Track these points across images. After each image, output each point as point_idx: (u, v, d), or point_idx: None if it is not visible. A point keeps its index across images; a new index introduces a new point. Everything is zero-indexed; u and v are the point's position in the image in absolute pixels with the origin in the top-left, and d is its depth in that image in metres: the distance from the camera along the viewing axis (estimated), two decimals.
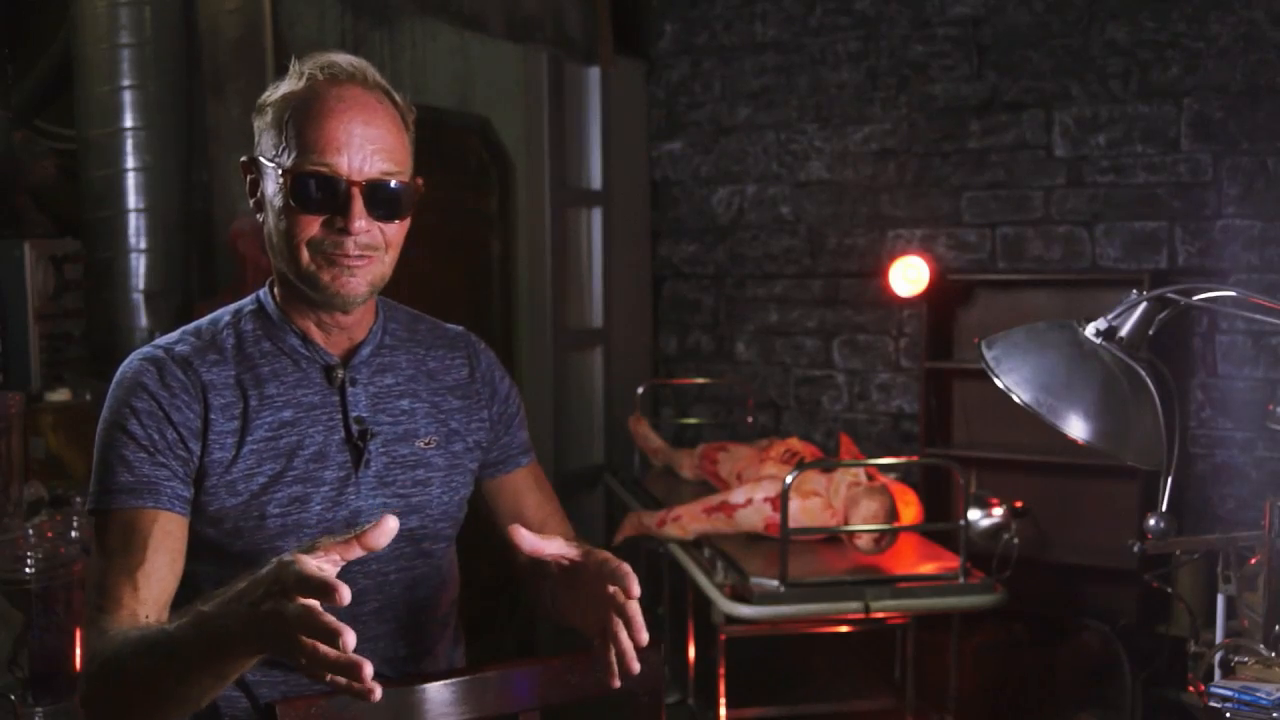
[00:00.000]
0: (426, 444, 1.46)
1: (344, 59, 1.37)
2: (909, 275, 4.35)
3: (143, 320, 3.28)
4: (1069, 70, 4.31)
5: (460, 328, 1.62)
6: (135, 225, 3.26)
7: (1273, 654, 1.79)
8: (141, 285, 3.28)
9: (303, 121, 1.33)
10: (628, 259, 5.10)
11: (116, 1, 3.16)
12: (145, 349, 1.40)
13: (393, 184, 1.36)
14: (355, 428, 1.42)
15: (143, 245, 3.27)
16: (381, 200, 1.35)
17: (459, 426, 1.51)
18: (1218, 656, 1.93)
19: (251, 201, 1.42)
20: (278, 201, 1.35)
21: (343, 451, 1.41)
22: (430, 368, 1.52)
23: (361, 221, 1.33)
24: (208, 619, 1.14)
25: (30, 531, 2.04)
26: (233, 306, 1.47)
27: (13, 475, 2.38)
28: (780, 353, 4.98)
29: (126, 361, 1.40)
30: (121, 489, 1.31)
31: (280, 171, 1.33)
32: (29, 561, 1.96)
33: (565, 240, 4.76)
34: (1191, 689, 2.04)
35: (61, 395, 2.97)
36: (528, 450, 1.62)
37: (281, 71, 1.39)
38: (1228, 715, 1.64)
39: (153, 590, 1.30)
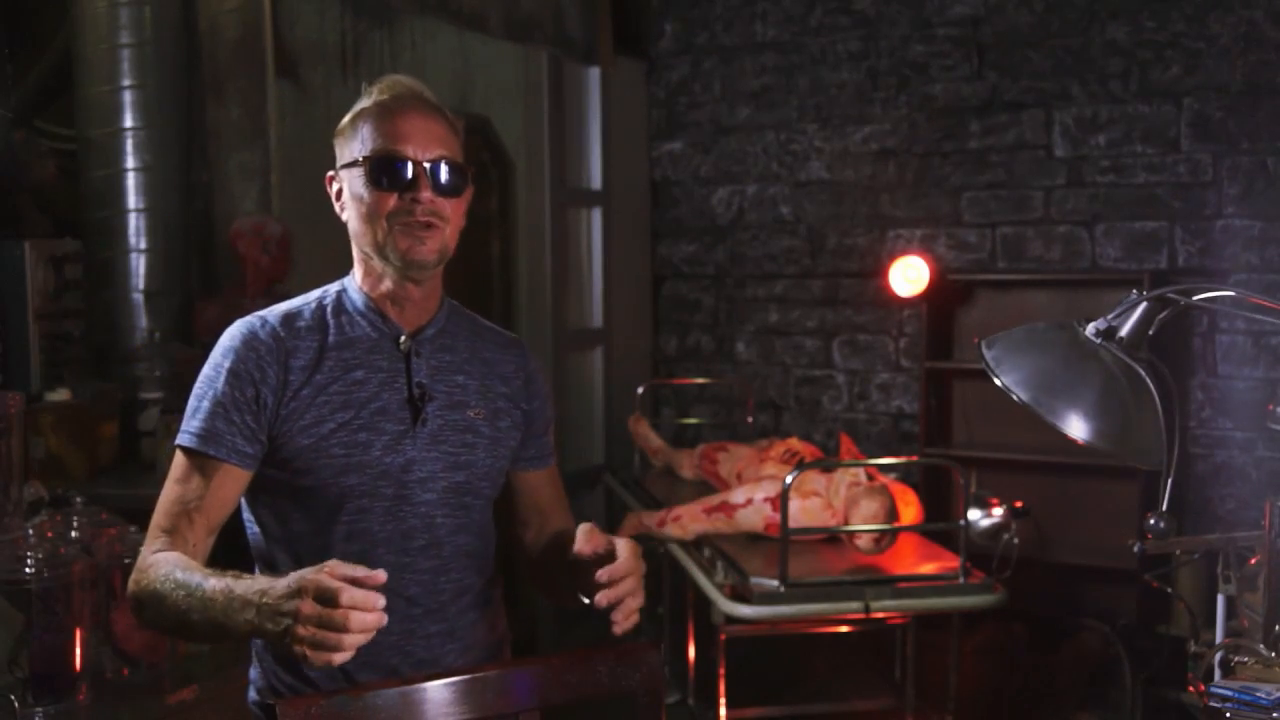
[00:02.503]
0: (476, 414, 1.69)
1: (404, 79, 1.68)
2: (909, 275, 4.35)
3: (143, 320, 3.28)
4: (1069, 70, 4.31)
5: (516, 336, 1.87)
6: (135, 225, 3.26)
7: (1273, 654, 1.79)
8: (141, 285, 3.28)
9: (375, 123, 1.63)
10: (628, 259, 5.10)
11: (116, 1, 3.16)
12: (247, 317, 1.66)
13: (453, 164, 1.63)
14: (416, 390, 1.65)
15: (143, 245, 3.27)
16: (443, 177, 1.61)
17: (504, 408, 1.74)
18: (1218, 656, 1.93)
19: (337, 206, 1.69)
20: (360, 189, 1.61)
21: (404, 409, 1.64)
22: (485, 357, 1.75)
23: (427, 193, 1.59)
24: (234, 597, 1.39)
25: (30, 531, 2.04)
26: (320, 289, 1.73)
27: (13, 475, 2.38)
28: (780, 353, 4.98)
29: (230, 327, 1.66)
30: (197, 433, 1.58)
31: (361, 159, 1.61)
32: (29, 561, 1.96)
33: (565, 240, 4.76)
34: (1191, 689, 2.04)
35: (61, 395, 2.97)
36: (553, 452, 1.86)
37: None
38: (1228, 715, 1.64)
39: (205, 525, 1.58)
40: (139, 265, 3.27)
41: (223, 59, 3.43)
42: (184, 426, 1.61)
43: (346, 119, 1.68)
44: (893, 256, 4.47)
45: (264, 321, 1.65)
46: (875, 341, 4.78)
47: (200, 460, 1.58)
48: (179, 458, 1.61)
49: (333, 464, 1.59)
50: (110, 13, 3.17)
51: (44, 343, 3.15)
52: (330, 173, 1.70)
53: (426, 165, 1.60)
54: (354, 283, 1.70)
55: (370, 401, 1.63)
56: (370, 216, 1.61)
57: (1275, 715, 1.61)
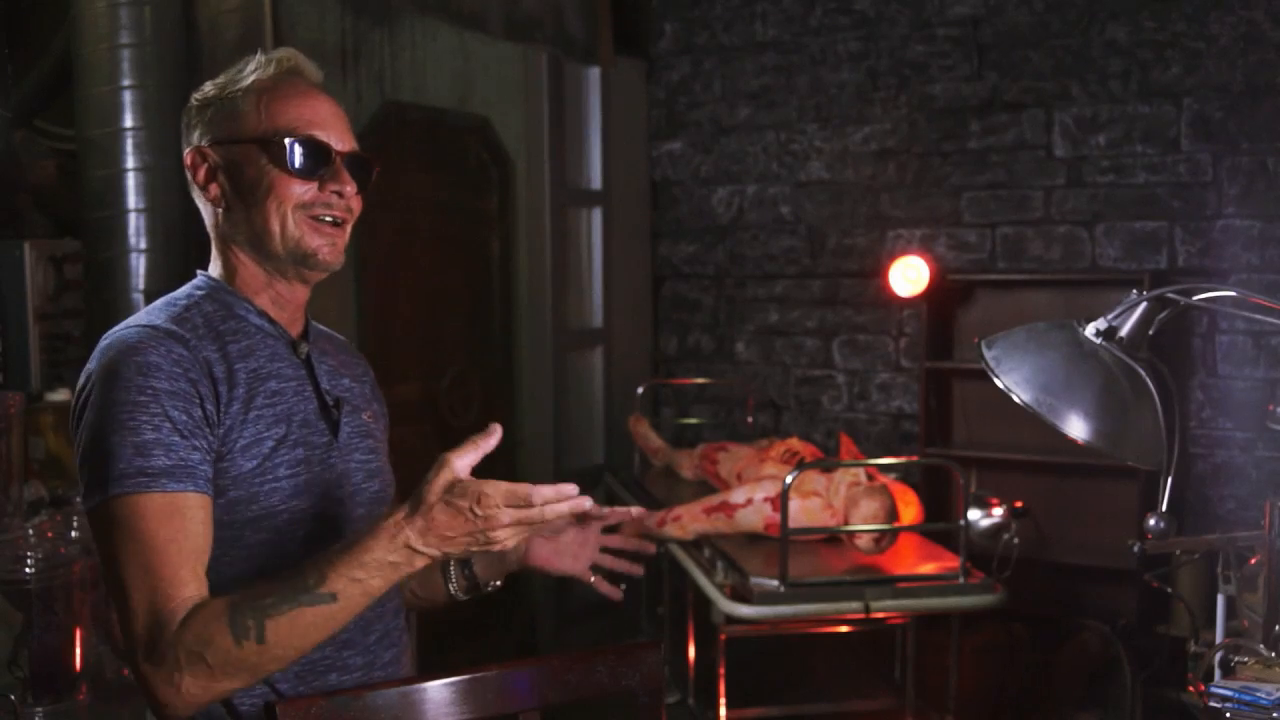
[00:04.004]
0: (369, 418, 1.59)
1: (301, 55, 1.51)
2: (909, 275, 4.34)
3: None
4: (1069, 70, 4.31)
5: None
6: (135, 225, 3.26)
7: (1273, 654, 1.79)
8: (141, 285, 3.28)
9: (285, 100, 1.45)
10: (628, 259, 5.10)
11: (116, 1, 3.16)
12: (134, 329, 1.39)
13: (366, 159, 1.50)
14: (329, 398, 1.52)
15: (143, 245, 3.27)
16: (358, 170, 1.48)
17: (377, 410, 1.64)
18: (1218, 656, 1.93)
19: (206, 191, 1.47)
20: (260, 171, 1.43)
21: (320, 419, 1.50)
22: (341, 360, 1.62)
23: (351, 186, 1.47)
24: (357, 554, 1.27)
25: (30, 531, 2.04)
26: (180, 292, 1.49)
27: (13, 475, 2.39)
28: (780, 353, 4.98)
29: (120, 341, 1.38)
30: (162, 472, 1.30)
31: (274, 138, 1.42)
32: (29, 561, 1.97)
33: (565, 240, 4.76)
34: (1191, 689, 2.04)
35: (61, 395, 2.97)
36: None
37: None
38: (1228, 715, 1.64)
39: (204, 571, 1.33)
40: (139, 265, 3.27)
41: (223, 59, 3.43)
42: (129, 467, 1.29)
43: (232, 86, 1.46)
44: (893, 256, 4.47)
45: (160, 330, 1.39)
46: (875, 341, 4.78)
47: (181, 502, 1.31)
48: (140, 508, 1.29)
49: (281, 487, 1.41)
50: (110, 13, 3.17)
51: (44, 343, 3.15)
52: (196, 146, 1.47)
53: (346, 154, 1.46)
54: (221, 283, 1.48)
55: (294, 413, 1.45)
56: (273, 204, 1.42)
57: (1275, 715, 1.61)
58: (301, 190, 1.43)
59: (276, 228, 1.43)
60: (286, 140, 1.42)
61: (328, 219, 1.46)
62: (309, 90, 1.48)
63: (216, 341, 1.42)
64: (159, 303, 1.47)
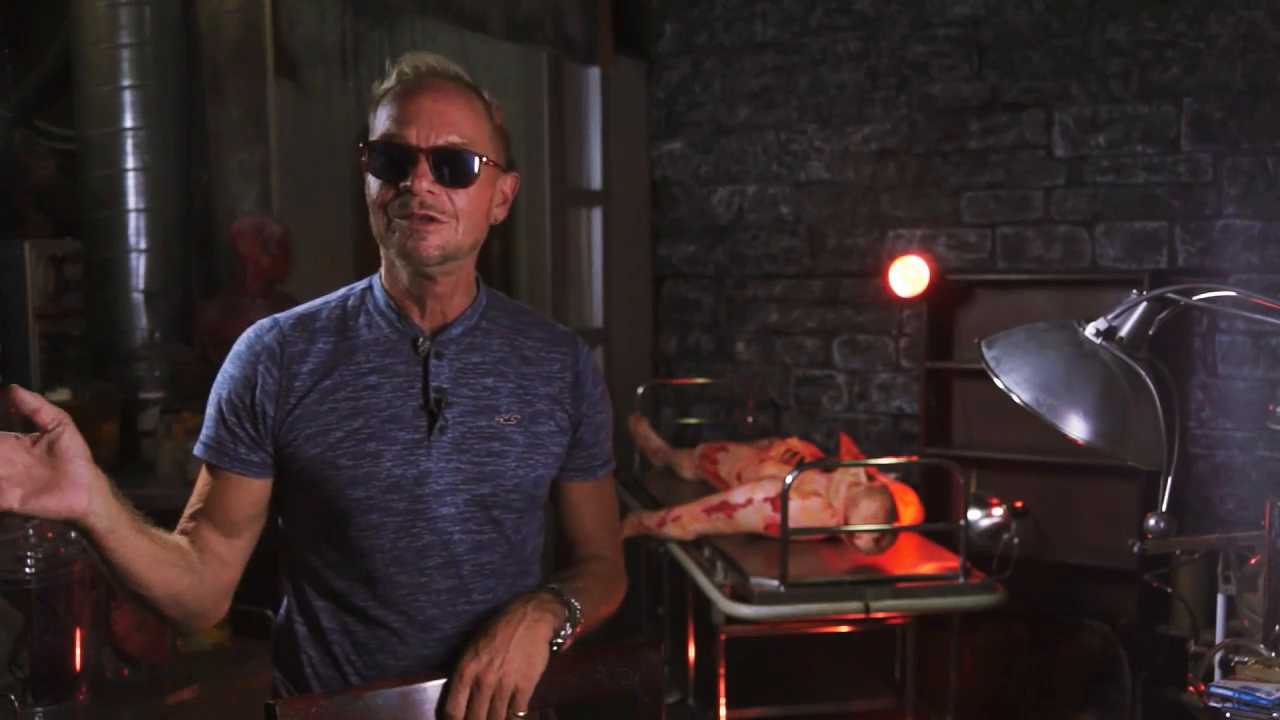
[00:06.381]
0: (507, 420, 1.56)
1: (431, 57, 1.54)
2: (909, 275, 4.34)
3: (143, 320, 3.28)
4: (1069, 70, 4.31)
5: (569, 329, 1.71)
6: (135, 225, 3.26)
7: (1273, 654, 1.79)
8: (141, 285, 3.28)
9: (388, 105, 1.50)
10: (628, 259, 5.10)
11: (116, 1, 3.16)
12: (261, 322, 1.59)
13: (460, 152, 1.48)
14: (433, 395, 1.53)
15: (143, 245, 3.27)
16: (448, 167, 1.47)
17: (546, 410, 1.60)
18: (1218, 656, 1.93)
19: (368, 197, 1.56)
20: (368, 182, 1.51)
21: (419, 416, 1.52)
22: (525, 354, 1.61)
23: (424, 183, 1.46)
24: None
25: (30, 531, 2.04)
26: (349, 285, 1.62)
27: None
28: (780, 353, 4.98)
29: (246, 331, 1.59)
30: (204, 442, 1.55)
31: (365, 148, 1.51)
32: (29, 561, 1.96)
33: (565, 240, 4.76)
34: (1191, 689, 2.04)
35: (61, 395, 2.97)
36: (607, 461, 1.71)
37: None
38: (1228, 715, 1.64)
39: (217, 531, 1.53)
40: (139, 265, 3.27)
41: (223, 59, 3.43)
42: (201, 430, 1.57)
43: (371, 102, 1.57)
44: (893, 256, 4.47)
45: (275, 324, 1.56)
46: (875, 341, 4.78)
47: (210, 468, 1.54)
48: (197, 467, 1.59)
49: (339, 476, 1.49)
50: (110, 13, 3.17)
51: (44, 343, 3.15)
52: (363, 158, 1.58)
53: (427, 153, 1.46)
54: (379, 278, 1.59)
55: (383, 409, 1.51)
56: (374, 207, 1.51)
57: (1275, 715, 1.61)
58: (385, 192, 1.48)
59: (377, 230, 1.51)
60: (369, 147, 1.49)
61: (412, 217, 1.47)
62: (413, 90, 1.49)
63: (334, 336, 1.55)
64: (330, 293, 1.62)
